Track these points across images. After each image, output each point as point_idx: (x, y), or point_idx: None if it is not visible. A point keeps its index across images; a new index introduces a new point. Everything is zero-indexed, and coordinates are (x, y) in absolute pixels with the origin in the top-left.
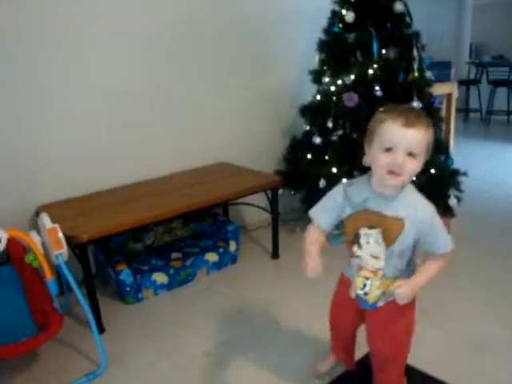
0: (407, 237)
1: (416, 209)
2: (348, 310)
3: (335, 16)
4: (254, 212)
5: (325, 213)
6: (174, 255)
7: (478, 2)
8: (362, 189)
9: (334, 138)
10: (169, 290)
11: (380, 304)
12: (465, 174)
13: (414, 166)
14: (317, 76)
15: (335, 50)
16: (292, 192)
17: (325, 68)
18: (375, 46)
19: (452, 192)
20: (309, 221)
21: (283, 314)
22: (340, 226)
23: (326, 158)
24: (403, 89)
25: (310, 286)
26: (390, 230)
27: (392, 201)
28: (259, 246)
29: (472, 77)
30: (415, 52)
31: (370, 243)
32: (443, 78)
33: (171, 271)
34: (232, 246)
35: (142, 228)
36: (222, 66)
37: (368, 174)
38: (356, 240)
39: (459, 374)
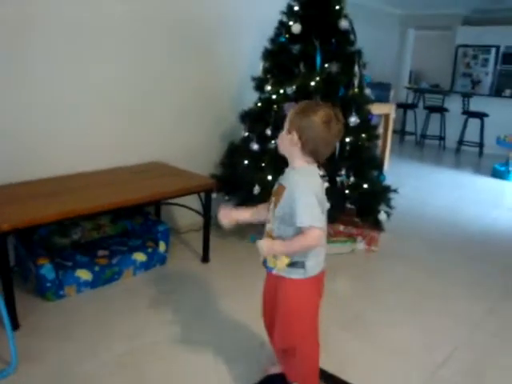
0: (285, 203)
1: (294, 181)
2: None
3: (282, 26)
4: (186, 215)
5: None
6: (100, 252)
7: (419, 32)
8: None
9: (272, 146)
10: (93, 288)
11: (275, 272)
12: (395, 191)
13: (282, 139)
14: (259, 83)
15: (280, 59)
16: (226, 197)
17: (268, 76)
18: (319, 59)
19: (382, 207)
20: (243, 227)
21: (209, 317)
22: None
23: (263, 165)
24: (343, 103)
25: (240, 291)
26: (278, 197)
27: (287, 174)
28: (190, 249)
29: (410, 101)
30: (357, 69)
31: (271, 208)
32: (383, 98)
33: (96, 268)
34: (161, 247)
35: (70, 223)
36: (165, 65)
37: None
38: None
39: (372, 378)
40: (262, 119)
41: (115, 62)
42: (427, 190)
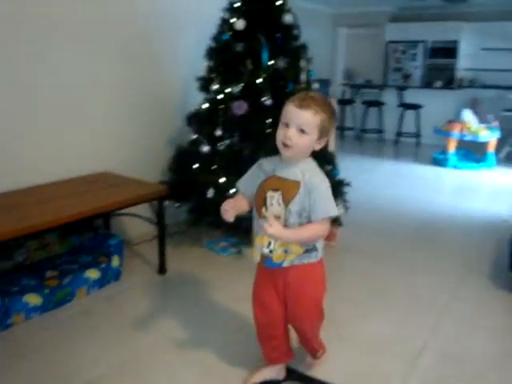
0: (301, 198)
1: (309, 175)
2: (270, 291)
3: (225, 23)
4: (137, 225)
5: (244, 182)
6: (49, 273)
7: (351, 30)
8: (274, 161)
9: (222, 147)
10: (43, 313)
11: (285, 265)
12: (348, 184)
13: (304, 141)
14: (204, 84)
15: (224, 57)
16: (177, 204)
17: (213, 76)
18: (265, 56)
19: (339, 202)
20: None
21: (170, 333)
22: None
23: (214, 167)
24: None
25: (200, 302)
26: (288, 192)
27: (293, 168)
28: (144, 261)
29: (347, 97)
30: (303, 63)
31: (274, 204)
32: (323, 94)
33: (46, 291)
34: (115, 262)
35: (12, 243)
36: (105, 69)
37: None
38: (264, 202)
39: (352, 376)
40: (211, 120)
41: (58, 73)
42: (374, 182)
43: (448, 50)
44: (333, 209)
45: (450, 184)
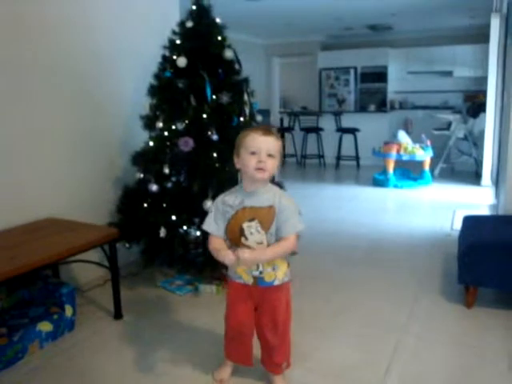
0: (277, 221)
1: (278, 197)
2: (245, 305)
3: (166, 61)
4: (87, 270)
5: (213, 222)
6: None
7: (284, 59)
8: (237, 193)
9: (169, 184)
10: None
11: (277, 283)
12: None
13: (273, 165)
14: (148, 122)
15: (167, 94)
16: (127, 245)
17: (157, 113)
18: (209, 91)
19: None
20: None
21: (133, 380)
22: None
23: (164, 205)
24: (237, 132)
25: (160, 344)
26: (265, 219)
27: (261, 195)
28: (98, 307)
29: (286, 125)
30: (246, 97)
31: (253, 233)
32: (265, 124)
33: None
34: (68, 311)
35: None
36: (44, 113)
37: (239, 184)
38: (242, 233)
39: None
40: (157, 158)
41: None
42: (320, 207)
43: (378, 75)
44: (300, 224)
45: (393, 203)
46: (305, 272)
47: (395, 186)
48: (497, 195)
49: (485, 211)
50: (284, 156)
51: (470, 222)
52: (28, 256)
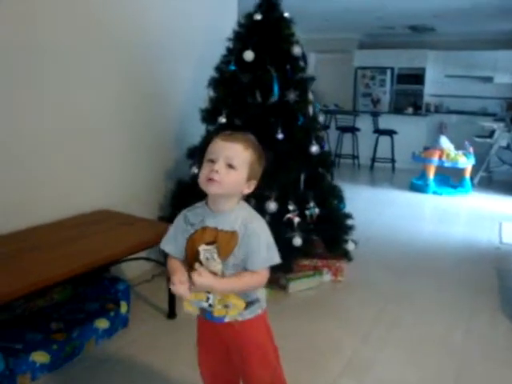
0: (240, 250)
1: (247, 224)
2: (217, 353)
3: (231, 54)
4: (134, 264)
5: (171, 241)
6: (54, 325)
7: (320, 56)
8: (200, 210)
9: None
10: (51, 371)
11: (227, 320)
12: (351, 217)
13: (234, 178)
14: (208, 115)
15: (231, 88)
16: None
17: (219, 107)
18: (276, 87)
19: (349, 237)
20: None
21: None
22: None
23: None
24: (303, 132)
25: None
26: (224, 244)
27: (226, 216)
28: (149, 304)
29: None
30: (310, 95)
31: (209, 259)
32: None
33: (54, 347)
34: (123, 308)
35: None
36: (101, 103)
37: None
38: (197, 257)
39: None
40: None
41: (56, 109)
42: (361, 211)
43: (415, 77)
44: (275, 256)
45: (434, 210)
46: (356, 279)
47: (434, 193)
48: None
49: None
50: None
51: None
52: (90, 253)
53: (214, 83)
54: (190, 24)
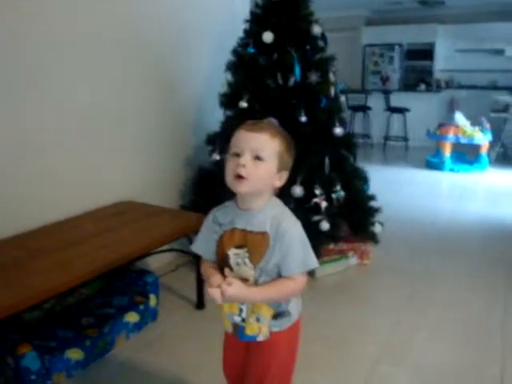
0: (273, 253)
1: (278, 224)
2: (234, 355)
3: (249, 36)
4: (157, 255)
5: (202, 243)
6: (85, 321)
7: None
8: (229, 210)
9: None
10: (84, 368)
11: (260, 339)
12: (375, 198)
13: (261, 171)
14: (227, 100)
15: (251, 71)
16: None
17: (239, 91)
18: (298, 69)
19: (375, 219)
20: None
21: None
22: None
23: None
24: (326, 114)
25: None
26: (256, 248)
27: (256, 216)
28: (176, 295)
29: None
30: (331, 76)
31: (240, 264)
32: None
33: (87, 343)
34: (152, 301)
35: None
36: (118, 93)
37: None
38: (226, 262)
39: None
40: None
41: (74, 98)
42: (378, 190)
43: (424, 52)
44: (311, 259)
45: (453, 188)
46: (382, 262)
47: (451, 170)
48: None
49: None
50: None
51: None
52: (124, 244)
53: (233, 67)
54: (203, 9)
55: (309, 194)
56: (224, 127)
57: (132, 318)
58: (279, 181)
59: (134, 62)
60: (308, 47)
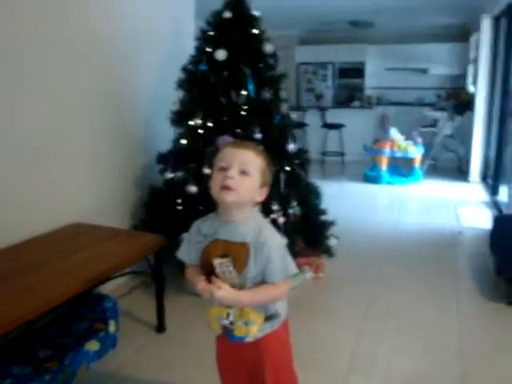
0: (255, 262)
1: (259, 233)
2: (238, 373)
3: (201, 53)
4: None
5: (186, 252)
6: (42, 353)
7: None
8: (212, 221)
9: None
10: None
11: (248, 340)
12: (326, 213)
13: (247, 184)
14: (178, 118)
15: (203, 89)
16: None
17: (190, 109)
18: (251, 86)
19: (329, 233)
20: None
21: None
22: None
23: (201, 208)
24: (279, 130)
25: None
26: (238, 257)
27: (238, 227)
28: (133, 319)
29: None
30: (283, 93)
31: (225, 272)
32: None
33: (47, 378)
34: (112, 327)
35: None
36: (68, 109)
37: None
38: (213, 270)
39: None
40: (192, 157)
41: (15, 109)
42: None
43: (356, 71)
44: (291, 267)
45: (391, 200)
46: (335, 275)
47: (388, 183)
48: (493, 192)
49: (482, 208)
50: None
51: (506, 223)
52: (79, 272)
53: (185, 84)
54: (148, 27)
55: (266, 210)
56: (175, 146)
57: (93, 346)
58: (260, 196)
59: (81, 79)
60: (261, 65)
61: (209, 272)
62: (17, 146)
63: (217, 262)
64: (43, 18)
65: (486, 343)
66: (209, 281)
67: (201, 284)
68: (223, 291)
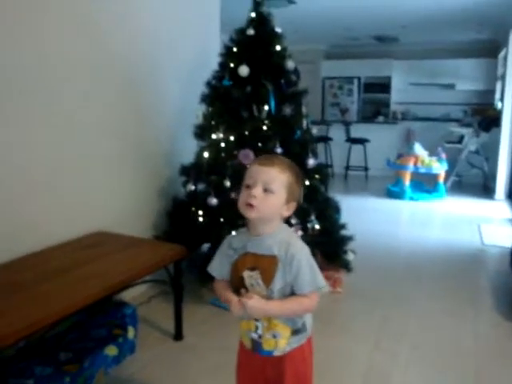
0: (282, 274)
1: (287, 247)
2: (257, 378)
3: (224, 69)
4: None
5: (217, 267)
6: (63, 356)
7: None
8: (243, 235)
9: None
10: None
11: (276, 354)
12: (344, 227)
13: (270, 202)
14: (201, 131)
15: (226, 104)
16: None
17: (213, 123)
18: (273, 102)
19: (348, 247)
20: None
21: None
22: None
23: (222, 220)
24: (300, 146)
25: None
26: (266, 270)
27: (265, 240)
28: (152, 327)
29: None
30: (304, 109)
31: (254, 285)
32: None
33: (67, 380)
34: (130, 333)
35: None
36: (93, 121)
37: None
38: (242, 283)
39: None
40: (214, 170)
41: (38, 122)
42: (344, 218)
43: (381, 85)
44: (320, 279)
45: (414, 216)
46: (354, 289)
47: (411, 199)
48: None
49: (506, 226)
50: None
51: None
52: (101, 279)
53: (208, 99)
54: (175, 42)
55: (285, 223)
56: (197, 159)
57: (111, 351)
58: (287, 211)
59: (108, 90)
60: (282, 81)
61: (238, 286)
62: (49, 155)
63: (246, 274)
64: (71, 39)
65: (503, 363)
66: (239, 294)
67: (234, 301)
68: (254, 300)
